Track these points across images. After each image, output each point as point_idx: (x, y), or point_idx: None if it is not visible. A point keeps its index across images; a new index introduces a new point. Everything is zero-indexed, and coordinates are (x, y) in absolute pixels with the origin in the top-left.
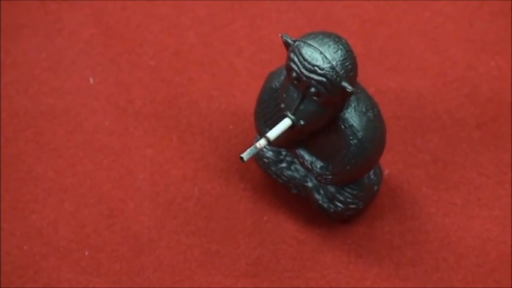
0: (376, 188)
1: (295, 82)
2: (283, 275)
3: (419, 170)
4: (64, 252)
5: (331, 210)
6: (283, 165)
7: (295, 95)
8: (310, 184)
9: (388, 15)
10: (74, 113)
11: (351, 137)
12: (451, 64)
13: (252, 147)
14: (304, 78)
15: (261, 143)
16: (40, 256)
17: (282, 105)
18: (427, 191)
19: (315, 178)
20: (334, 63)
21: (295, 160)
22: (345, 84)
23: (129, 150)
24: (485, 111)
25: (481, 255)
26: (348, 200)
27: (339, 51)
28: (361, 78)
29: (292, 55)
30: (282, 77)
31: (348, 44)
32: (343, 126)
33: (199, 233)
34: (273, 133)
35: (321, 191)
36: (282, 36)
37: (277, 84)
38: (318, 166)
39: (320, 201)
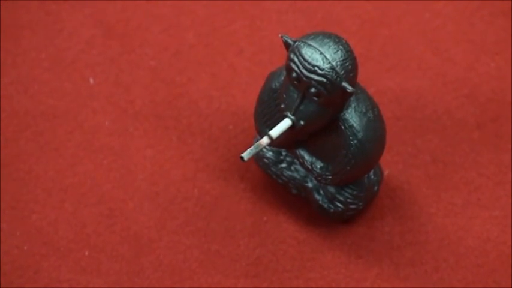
0: (376, 188)
1: (295, 82)
2: (283, 275)
3: (419, 171)
4: (64, 252)
5: (331, 210)
6: (283, 165)
7: (295, 96)
8: (310, 184)
9: (388, 16)
10: (74, 113)
11: (351, 138)
12: (451, 64)
13: (252, 147)
14: (304, 79)
15: (263, 141)
16: (40, 256)
17: (282, 106)
18: (427, 192)
19: (315, 178)
20: (334, 63)
21: (295, 160)
22: (345, 84)
23: (129, 150)
24: (485, 111)
25: (481, 255)
26: (348, 200)
27: (339, 52)
28: (361, 78)
29: (292, 55)
30: (282, 78)
31: (348, 45)
32: (343, 127)
33: (199, 233)
34: (275, 132)
35: (321, 192)
36: (282, 37)
37: (277, 85)
38: (318, 166)
39: (320, 202)
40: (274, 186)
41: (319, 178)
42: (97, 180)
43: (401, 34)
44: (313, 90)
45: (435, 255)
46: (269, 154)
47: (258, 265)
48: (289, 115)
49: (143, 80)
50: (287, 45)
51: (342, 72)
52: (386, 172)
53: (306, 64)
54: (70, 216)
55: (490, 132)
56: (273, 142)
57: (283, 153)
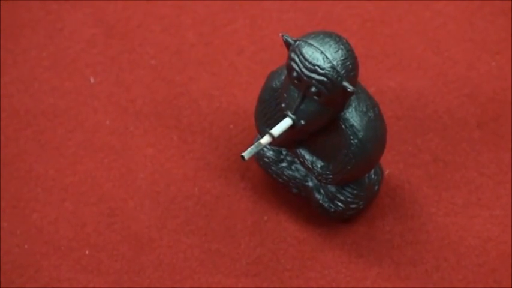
0: (376, 187)
1: (296, 82)
2: (284, 274)
3: (419, 170)
4: (64, 251)
5: (332, 209)
6: (284, 164)
7: (296, 95)
8: (310, 184)
9: (389, 15)
10: (74, 112)
11: (351, 137)
12: (452, 64)
13: (253, 146)
14: (305, 78)
15: (264, 140)
16: (40, 255)
17: (283, 105)
18: (427, 191)
19: (316, 178)
20: (334, 63)
21: (296, 160)
22: (345, 84)
23: (129, 149)
24: (486, 111)
25: (481, 255)
26: (349, 199)
27: (340, 51)
28: (361, 77)
29: (292, 55)
30: (283, 77)
31: (348, 44)
32: (343, 126)
33: (199, 232)
34: (276, 131)
35: (322, 191)
36: (282, 36)
37: (278, 84)
38: (319, 166)
39: (320, 201)
40: (274, 185)
41: (320, 177)
42: (97, 179)
43: (402, 33)
44: (313, 89)
45: (436, 254)
46: (269, 153)
47: (258, 264)
48: (290, 114)
49: (144, 79)
50: (288, 44)
51: (343, 72)
52: (386, 171)
53: (307, 63)
54: (70, 215)
55: (490, 132)
56: (274, 141)
57: (284, 153)
